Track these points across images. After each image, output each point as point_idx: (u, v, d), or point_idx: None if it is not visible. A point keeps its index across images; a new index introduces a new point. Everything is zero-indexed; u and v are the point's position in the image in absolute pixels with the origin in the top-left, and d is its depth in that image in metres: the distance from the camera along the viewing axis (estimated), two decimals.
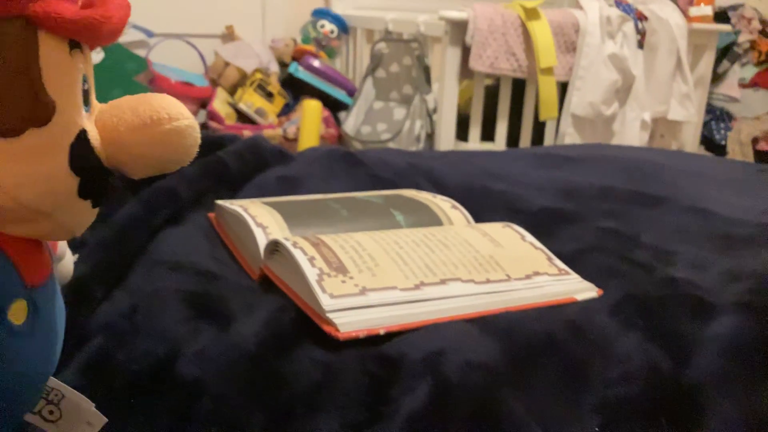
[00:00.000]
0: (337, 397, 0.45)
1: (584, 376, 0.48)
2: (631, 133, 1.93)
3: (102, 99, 0.33)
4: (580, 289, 0.59)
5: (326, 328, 0.48)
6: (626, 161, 1.01)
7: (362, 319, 0.49)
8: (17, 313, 0.31)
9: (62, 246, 0.44)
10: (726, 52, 2.58)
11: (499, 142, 1.94)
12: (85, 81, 0.32)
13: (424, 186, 0.86)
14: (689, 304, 0.56)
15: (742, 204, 0.83)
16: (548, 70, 1.82)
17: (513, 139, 1.96)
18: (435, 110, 2.00)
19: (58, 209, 0.30)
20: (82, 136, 0.30)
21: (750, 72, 2.76)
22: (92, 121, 0.32)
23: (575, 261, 0.64)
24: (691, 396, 0.48)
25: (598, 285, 0.60)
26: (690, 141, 2.20)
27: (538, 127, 1.96)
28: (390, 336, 0.49)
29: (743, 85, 2.74)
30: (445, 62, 1.84)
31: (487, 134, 1.94)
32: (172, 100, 0.32)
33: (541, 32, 1.80)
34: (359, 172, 0.88)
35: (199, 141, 0.33)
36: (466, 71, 1.85)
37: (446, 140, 1.91)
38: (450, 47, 1.82)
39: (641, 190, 0.86)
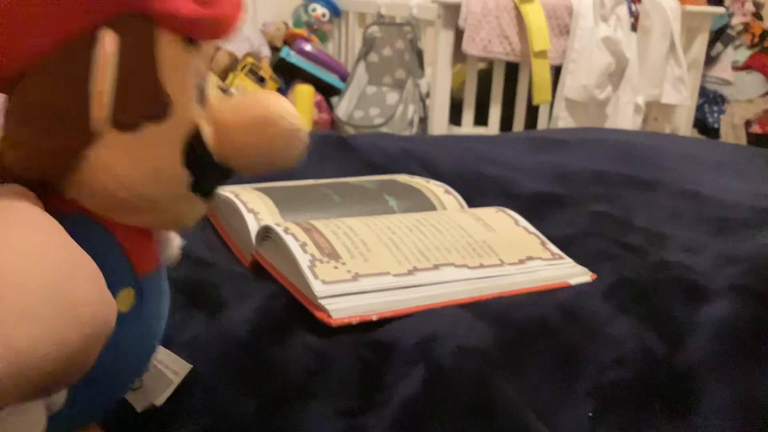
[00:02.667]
0: (330, 383, 0.45)
1: (578, 361, 0.48)
2: (624, 117, 1.93)
3: None
4: (573, 273, 0.59)
5: (318, 314, 0.48)
6: (619, 145, 1.01)
7: (355, 305, 0.49)
8: (124, 300, 0.31)
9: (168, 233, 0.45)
10: (719, 35, 2.58)
11: (493, 126, 1.94)
12: (199, 77, 0.32)
13: (417, 171, 0.86)
14: (683, 288, 0.56)
15: (735, 187, 0.83)
16: (541, 54, 1.81)
17: (506, 123, 1.96)
18: (428, 94, 1.99)
19: (170, 202, 0.31)
20: (196, 132, 0.31)
21: (743, 55, 2.76)
22: (205, 116, 0.32)
23: (569, 245, 0.64)
24: (684, 380, 0.48)
25: (591, 269, 0.60)
26: (683, 124, 2.20)
27: (532, 111, 1.95)
28: (383, 322, 0.49)
29: (736, 67, 2.74)
30: (438, 46, 1.83)
31: (481, 118, 1.93)
32: (284, 100, 0.32)
33: (534, 15, 1.79)
34: (352, 158, 0.88)
35: (307, 144, 0.33)
36: (459, 55, 1.84)
37: (439, 125, 1.90)
38: (443, 31, 1.81)
39: (634, 173, 0.86)
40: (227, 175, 0.33)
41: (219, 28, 0.31)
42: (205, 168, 0.32)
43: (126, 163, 0.29)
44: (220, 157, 0.32)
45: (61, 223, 0.27)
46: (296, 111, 0.32)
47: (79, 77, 0.28)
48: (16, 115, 0.29)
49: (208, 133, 0.32)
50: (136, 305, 0.32)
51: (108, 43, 0.28)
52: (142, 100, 0.29)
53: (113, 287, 0.30)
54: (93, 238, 0.29)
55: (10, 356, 0.20)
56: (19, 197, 0.26)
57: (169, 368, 0.41)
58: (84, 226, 0.30)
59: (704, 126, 2.66)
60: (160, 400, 0.39)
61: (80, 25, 0.28)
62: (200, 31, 0.30)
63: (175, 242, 0.44)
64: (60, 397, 0.28)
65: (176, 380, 0.40)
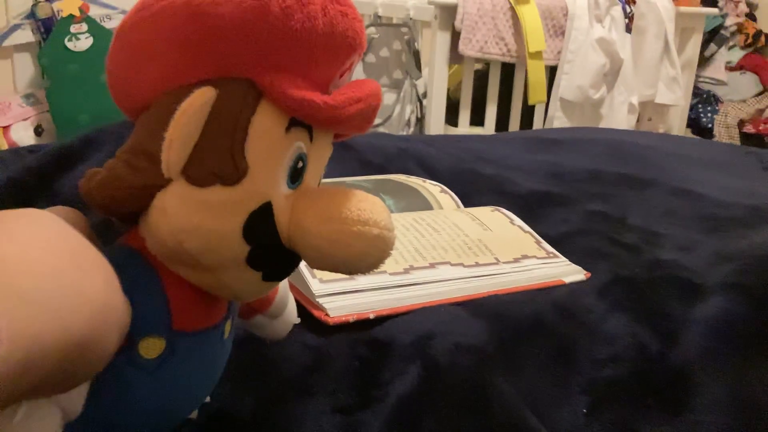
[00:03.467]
0: (328, 381, 0.45)
1: (572, 358, 0.49)
2: (619, 117, 1.94)
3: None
4: (568, 271, 0.60)
5: (316, 313, 0.49)
6: (614, 144, 1.02)
7: (352, 303, 0.49)
8: (150, 348, 0.30)
9: (282, 301, 0.42)
10: (713, 36, 2.59)
11: (489, 127, 1.95)
12: (301, 159, 0.31)
13: (413, 170, 0.86)
14: (677, 286, 0.57)
15: (728, 186, 0.83)
16: (537, 54, 1.82)
17: (502, 123, 1.96)
18: (425, 95, 2.00)
19: (222, 269, 0.30)
20: (266, 208, 0.30)
21: (737, 55, 2.77)
22: (291, 199, 0.31)
23: (563, 244, 0.65)
24: (678, 377, 0.48)
25: (586, 267, 0.61)
26: (677, 124, 2.21)
27: (527, 112, 1.96)
28: (380, 320, 0.49)
29: (730, 68, 2.75)
30: (434, 47, 1.84)
31: (477, 119, 1.94)
32: (377, 204, 0.30)
33: (530, 16, 1.80)
34: (349, 157, 0.88)
35: (388, 254, 0.30)
36: (455, 56, 1.85)
37: (436, 125, 1.91)
38: (439, 32, 1.82)
39: (629, 172, 0.86)
40: (294, 262, 0.32)
41: (328, 119, 0.30)
42: (267, 245, 0.30)
43: (183, 215, 0.28)
44: (291, 243, 0.30)
45: (115, 253, 0.27)
46: (386, 218, 0.30)
47: (166, 122, 0.28)
48: (123, 149, 0.30)
49: (284, 214, 0.30)
50: (164, 358, 0.31)
51: (197, 96, 0.28)
52: (218, 160, 0.28)
53: (142, 331, 0.29)
54: (138, 276, 0.29)
55: (14, 338, 0.20)
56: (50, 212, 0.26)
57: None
58: (135, 261, 0.30)
59: (698, 126, 2.67)
60: None
61: (191, 77, 0.28)
62: (305, 115, 0.30)
63: (289, 316, 0.43)
64: (76, 403, 0.27)
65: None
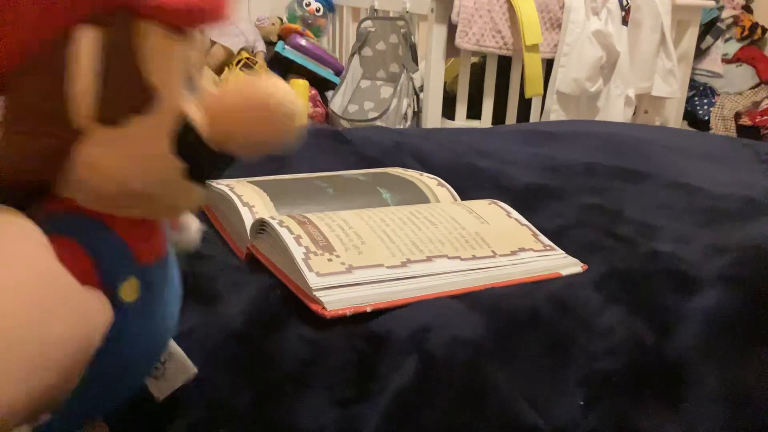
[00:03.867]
0: (325, 374, 0.45)
1: (569, 351, 0.49)
2: (615, 110, 1.93)
3: None
4: (564, 264, 0.60)
5: (313, 306, 0.49)
6: (610, 137, 1.02)
7: (349, 296, 0.49)
8: (129, 290, 0.32)
9: (185, 218, 0.44)
10: (709, 28, 2.59)
11: (485, 120, 1.94)
12: (190, 65, 0.31)
13: (410, 164, 0.86)
14: (673, 278, 0.57)
15: (725, 178, 0.84)
16: (533, 48, 1.81)
17: (499, 116, 1.96)
18: (422, 88, 2.00)
19: (165, 192, 0.31)
20: (186, 121, 0.30)
21: (733, 47, 2.77)
22: (198, 104, 0.32)
23: (560, 237, 0.65)
24: (674, 369, 0.48)
25: (582, 260, 0.61)
26: (673, 117, 2.21)
27: (524, 105, 1.96)
28: (377, 313, 0.49)
29: (726, 60, 2.75)
30: (431, 40, 1.84)
31: (473, 112, 1.94)
32: (279, 83, 0.31)
33: (526, 9, 1.79)
34: (346, 151, 0.88)
35: (304, 127, 0.32)
36: (452, 49, 1.84)
37: (433, 118, 1.91)
38: (436, 25, 1.81)
39: (625, 165, 0.87)
40: (224, 160, 0.33)
41: (204, 15, 0.31)
42: (198, 155, 0.31)
43: (115, 159, 0.29)
44: (217, 143, 0.31)
45: (58, 224, 0.28)
46: (292, 92, 0.32)
47: (60, 76, 0.28)
48: (7, 116, 0.29)
49: (199, 120, 0.31)
50: (142, 295, 0.32)
51: (84, 41, 0.28)
52: (126, 94, 0.29)
53: (116, 278, 0.31)
54: (91, 235, 0.29)
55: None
56: (8, 218, 0.26)
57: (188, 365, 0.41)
58: (81, 224, 0.30)
59: (694, 118, 2.67)
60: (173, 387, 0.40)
61: (63, 23, 0.28)
62: (185, 20, 0.30)
63: (192, 227, 0.45)
64: (44, 415, 0.28)
65: (195, 369, 0.41)
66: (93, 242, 0.28)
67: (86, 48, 0.28)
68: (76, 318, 0.25)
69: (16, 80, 0.28)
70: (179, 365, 0.40)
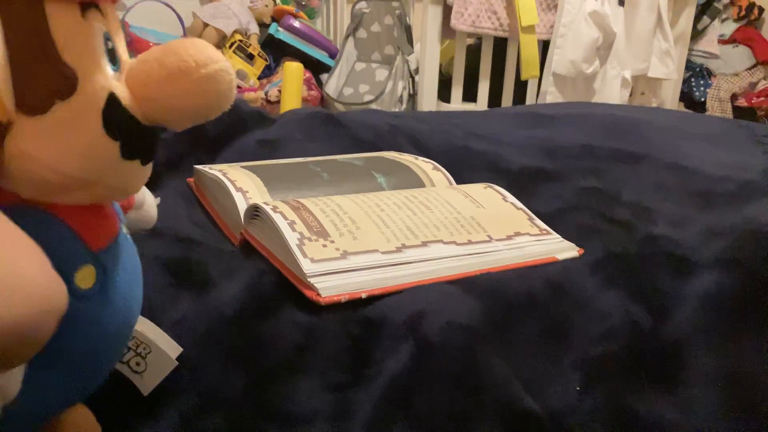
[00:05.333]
0: (320, 359, 0.45)
1: (565, 334, 0.49)
2: (611, 91, 1.93)
3: None
4: (561, 248, 0.60)
5: (308, 292, 0.48)
6: (607, 119, 1.01)
7: (344, 283, 0.49)
8: (85, 278, 0.31)
9: (139, 195, 0.44)
10: (706, 8, 2.57)
11: (481, 103, 1.94)
12: (108, 39, 0.30)
13: (405, 148, 0.86)
14: (670, 262, 0.57)
15: (721, 161, 0.83)
16: (529, 29, 1.80)
17: (495, 99, 1.95)
18: (417, 71, 1.98)
19: (105, 174, 0.30)
20: (112, 98, 0.29)
21: (729, 28, 2.76)
22: (123, 79, 0.31)
23: (556, 220, 0.64)
24: (671, 351, 0.48)
25: (579, 244, 0.61)
26: (670, 98, 2.20)
27: (520, 87, 1.95)
28: (372, 299, 0.49)
29: (723, 41, 2.74)
30: (426, 21, 1.82)
31: (469, 95, 1.93)
32: (201, 44, 0.30)
33: None
34: (340, 135, 0.87)
35: (234, 83, 0.31)
36: (447, 31, 1.83)
37: (428, 101, 1.90)
38: (431, 6, 1.80)
39: (621, 147, 0.86)
40: (158, 133, 0.32)
41: None
42: (132, 133, 0.30)
43: (45, 147, 0.28)
44: (146, 117, 0.31)
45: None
46: (216, 52, 0.31)
47: None
48: None
49: (126, 97, 0.30)
50: (99, 280, 0.32)
51: None
52: (45, 79, 0.28)
53: (70, 267, 0.30)
54: (38, 226, 0.28)
55: None
56: None
57: (168, 348, 0.41)
58: (25, 215, 0.29)
59: (691, 100, 2.66)
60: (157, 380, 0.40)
61: None
62: None
63: (148, 202, 0.45)
64: (13, 387, 0.27)
65: (176, 360, 0.41)
66: (41, 234, 0.27)
67: None
68: (42, 262, 0.24)
69: None
70: (160, 357, 0.40)
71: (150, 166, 0.33)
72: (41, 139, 0.28)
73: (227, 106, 0.32)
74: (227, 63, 0.31)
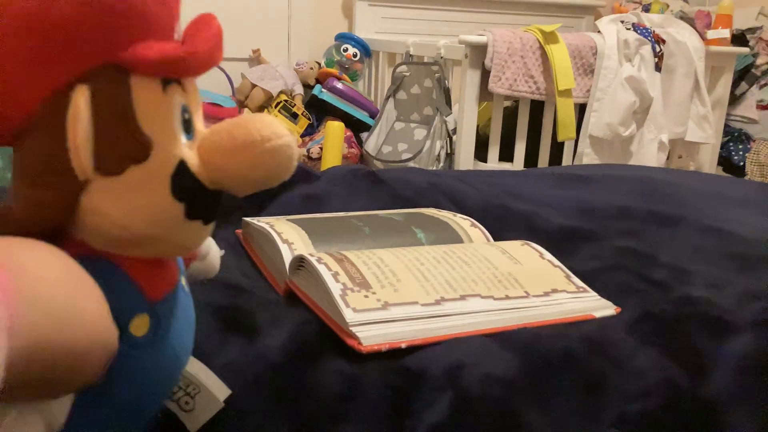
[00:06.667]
0: (361, 408, 0.46)
1: (602, 391, 0.49)
2: (648, 154, 1.93)
3: None
4: (598, 306, 0.60)
5: (349, 341, 0.50)
6: (644, 181, 1.02)
7: (384, 332, 0.51)
8: (139, 326, 0.33)
9: (204, 246, 0.47)
10: (744, 74, 2.58)
11: (518, 162, 1.96)
12: (185, 111, 0.34)
13: (444, 204, 0.88)
14: (707, 323, 0.57)
15: (759, 224, 0.83)
16: (566, 92, 1.83)
17: (531, 159, 1.97)
18: (455, 131, 2.02)
19: (169, 233, 0.33)
20: (182, 166, 0.32)
21: None
22: (195, 147, 0.34)
23: (593, 279, 0.65)
24: (708, 412, 0.48)
25: (615, 303, 0.61)
26: (708, 162, 2.20)
27: (556, 148, 1.97)
28: (412, 350, 0.50)
29: (761, 106, 2.73)
30: (464, 84, 1.86)
31: (506, 154, 1.95)
32: (268, 120, 0.33)
33: (559, 55, 1.82)
34: (381, 191, 0.90)
35: (295, 156, 0.34)
36: (485, 93, 1.87)
37: (465, 160, 1.92)
38: (470, 70, 1.84)
39: (658, 209, 0.87)
40: (221, 196, 0.35)
41: (192, 65, 0.33)
42: (197, 197, 0.33)
43: (116, 205, 0.31)
44: (213, 182, 0.33)
45: None
46: (281, 127, 0.33)
47: (60, 133, 0.30)
48: (16, 170, 0.31)
49: (195, 164, 0.33)
50: (153, 330, 0.34)
51: (78, 99, 0.30)
52: (122, 146, 0.31)
53: (127, 314, 0.33)
54: (102, 273, 0.31)
55: (16, 333, 0.23)
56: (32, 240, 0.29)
57: (216, 390, 0.42)
58: (92, 263, 0.31)
59: (729, 164, 2.64)
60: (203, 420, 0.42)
61: (58, 82, 0.30)
62: (173, 71, 0.32)
63: (212, 253, 0.47)
64: (60, 417, 0.29)
65: (222, 403, 0.42)
66: (103, 281, 0.30)
67: (81, 105, 0.30)
68: (101, 304, 0.27)
69: (21, 137, 0.31)
70: (208, 398, 0.42)
71: (212, 225, 0.35)
72: (113, 198, 0.31)
73: (287, 177, 0.34)
74: (290, 138, 0.34)
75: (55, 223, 0.31)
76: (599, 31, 1.93)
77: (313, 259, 0.56)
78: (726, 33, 2.08)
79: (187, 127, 0.34)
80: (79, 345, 0.26)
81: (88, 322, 0.26)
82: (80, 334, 0.26)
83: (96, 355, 0.27)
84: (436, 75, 2.12)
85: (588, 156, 1.91)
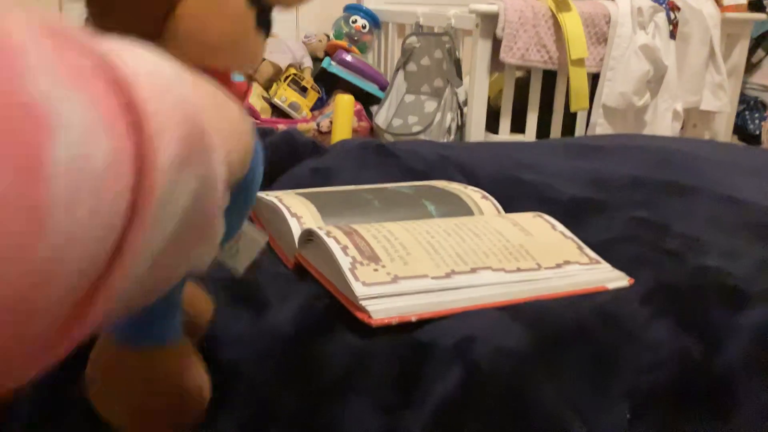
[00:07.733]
0: (370, 380, 0.46)
1: (615, 363, 0.49)
2: (663, 124, 1.91)
3: None
4: (610, 278, 0.60)
5: (359, 315, 0.50)
6: (657, 151, 1.01)
7: (394, 306, 0.50)
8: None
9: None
10: (761, 41, 2.53)
11: (530, 134, 1.94)
12: None
13: (455, 177, 0.87)
14: (721, 293, 0.56)
15: None
16: (579, 62, 1.81)
17: (543, 130, 1.95)
18: (466, 103, 2.00)
19: (246, 38, 0.38)
20: None
21: None
22: None
23: (606, 250, 0.64)
24: (722, 383, 0.48)
25: (629, 274, 0.61)
26: (723, 131, 2.17)
27: (569, 119, 1.95)
28: (421, 323, 0.50)
29: None
30: (475, 55, 1.84)
31: (518, 126, 1.94)
32: None
33: (572, 24, 1.79)
34: (391, 164, 0.89)
35: None
36: (496, 63, 1.85)
37: (477, 132, 1.91)
38: (481, 40, 1.82)
39: (672, 179, 0.86)
40: (271, 11, 0.40)
41: None
42: (262, 6, 0.38)
43: (207, 10, 0.36)
44: None
45: None
46: None
47: None
48: None
49: None
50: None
51: None
52: None
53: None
54: None
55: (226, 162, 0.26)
56: None
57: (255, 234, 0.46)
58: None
59: (745, 132, 2.61)
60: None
61: None
62: None
63: (258, 240, 0.47)
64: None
65: (264, 243, 0.46)
66: None
67: None
68: (240, 110, 0.31)
69: None
70: (251, 239, 0.45)
71: (265, 45, 0.40)
72: (203, 4, 0.36)
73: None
74: None
75: (155, 33, 0.35)
76: None
77: (322, 233, 0.56)
78: None
79: None
80: (248, 143, 0.31)
81: (247, 129, 0.31)
82: (246, 137, 0.31)
83: (251, 145, 0.32)
84: (447, 46, 2.09)
85: (601, 126, 1.89)
